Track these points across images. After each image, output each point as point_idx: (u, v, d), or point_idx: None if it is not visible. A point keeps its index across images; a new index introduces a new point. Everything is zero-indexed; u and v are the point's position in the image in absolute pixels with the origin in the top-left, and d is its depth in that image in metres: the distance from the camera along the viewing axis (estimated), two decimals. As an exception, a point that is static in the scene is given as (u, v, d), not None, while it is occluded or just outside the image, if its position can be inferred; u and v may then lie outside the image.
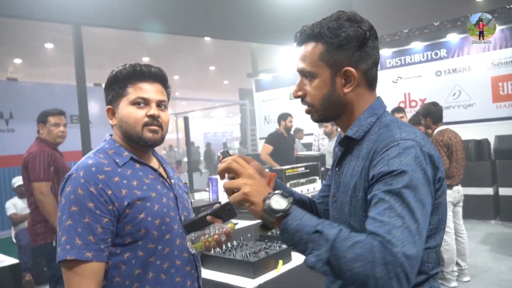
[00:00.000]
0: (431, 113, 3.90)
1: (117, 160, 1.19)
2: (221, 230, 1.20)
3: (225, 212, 1.21)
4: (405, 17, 9.66)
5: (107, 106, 1.25)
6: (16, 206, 4.89)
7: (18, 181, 5.00)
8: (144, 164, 1.24)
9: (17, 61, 12.22)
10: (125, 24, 5.45)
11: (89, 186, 1.10)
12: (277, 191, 0.90)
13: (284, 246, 2.10)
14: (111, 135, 1.29)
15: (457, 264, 3.84)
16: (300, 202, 1.25)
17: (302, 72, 1.06)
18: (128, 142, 1.23)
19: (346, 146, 1.06)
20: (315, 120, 1.10)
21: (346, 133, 1.04)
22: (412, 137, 0.92)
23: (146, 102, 1.21)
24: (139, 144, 1.22)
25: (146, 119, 1.20)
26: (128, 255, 1.13)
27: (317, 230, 0.83)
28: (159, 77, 1.25)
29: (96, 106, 7.49)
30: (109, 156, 1.20)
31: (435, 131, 3.87)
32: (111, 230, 1.11)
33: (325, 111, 1.05)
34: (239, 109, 12.63)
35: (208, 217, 1.20)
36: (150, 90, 1.22)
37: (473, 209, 6.04)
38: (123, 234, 1.12)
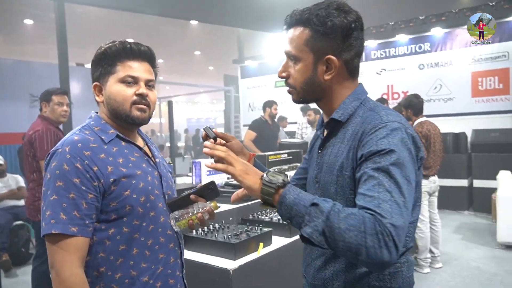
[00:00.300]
0: (413, 105, 4.00)
1: (103, 137, 1.19)
2: (204, 208, 1.22)
3: (208, 191, 1.23)
4: (391, 9, 9.72)
5: (94, 83, 1.25)
6: (-6, 185, 4.82)
7: (-5, 160, 4.91)
8: (130, 142, 1.25)
9: (-5, 37, 11.83)
10: (110, 3, 5.33)
11: (75, 161, 1.10)
12: (271, 169, 0.96)
13: (266, 229, 2.15)
14: (97, 112, 1.29)
15: (431, 251, 3.99)
16: None
17: (288, 55, 1.10)
18: (115, 120, 1.24)
19: (331, 128, 1.11)
20: (295, 101, 1.14)
21: (332, 115, 1.09)
22: (398, 119, 1.00)
23: (135, 80, 1.21)
24: (126, 122, 1.23)
25: (134, 97, 1.20)
26: (113, 231, 1.14)
27: (313, 203, 0.89)
28: (148, 56, 1.25)
29: (77, 87, 7.34)
30: (95, 133, 1.20)
31: (415, 122, 3.96)
32: (96, 206, 1.12)
33: (305, 93, 1.10)
34: (224, 95, 12.57)
35: (192, 196, 1.22)
36: (139, 68, 1.21)
37: (448, 200, 6.24)
38: (108, 210, 1.14)
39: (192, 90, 13.32)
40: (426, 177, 3.84)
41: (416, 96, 4.05)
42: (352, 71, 1.09)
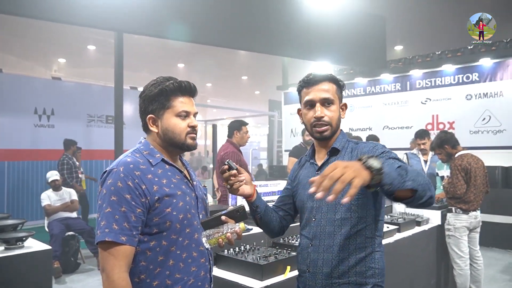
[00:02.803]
0: (446, 140, 3.89)
1: (150, 160, 1.38)
2: (233, 229, 1.39)
3: (237, 214, 1.43)
4: (438, 38, 9.59)
5: (149, 115, 1.43)
6: (50, 198, 5.24)
7: (52, 175, 5.34)
8: (173, 166, 1.44)
9: (61, 60, 12.91)
10: (162, 32, 5.75)
11: (127, 180, 1.28)
12: (367, 156, 1.15)
13: (294, 253, 2.23)
14: (145, 138, 1.48)
15: (471, 290, 3.83)
16: (268, 207, 1.67)
17: (325, 100, 1.53)
18: (166, 147, 1.44)
19: (331, 154, 1.56)
20: (327, 136, 1.55)
21: (333, 145, 1.56)
22: (375, 142, 1.55)
23: (187, 114, 1.43)
24: (181, 149, 1.45)
25: (188, 129, 1.42)
26: (153, 243, 1.31)
27: (398, 166, 1.21)
28: (194, 92, 1.47)
29: (130, 109, 7.84)
30: (144, 156, 1.39)
31: (456, 155, 3.87)
32: (142, 219, 1.30)
33: (336, 129, 1.56)
34: (268, 120, 12.80)
35: (223, 217, 1.41)
36: (189, 103, 1.44)
37: (497, 237, 5.93)
38: (151, 224, 1.31)
39: (237, 114, 13.67)
40: (466, 211, 3.73)
41: (443, 132, 4.02)
42: None
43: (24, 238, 3.08)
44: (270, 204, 1.73)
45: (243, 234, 1.47)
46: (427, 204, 1.25)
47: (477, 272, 3.85)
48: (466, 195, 3.71)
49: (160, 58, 12.69)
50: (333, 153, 1.55)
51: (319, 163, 1.58)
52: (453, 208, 3.80)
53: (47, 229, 5.14)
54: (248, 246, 2.34)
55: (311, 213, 1.54)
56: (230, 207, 1.47)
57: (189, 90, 1.44)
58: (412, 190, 1.19)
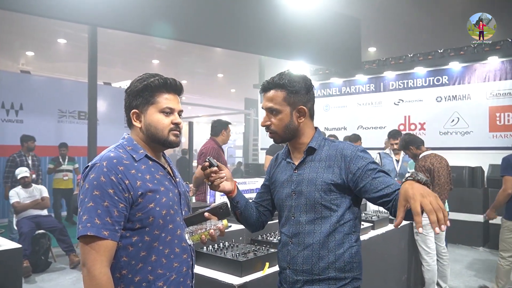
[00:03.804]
0: (410, 141, 4.06)
1: (134, 156, 1.38)
2: (216, 226, 1.40)
3: (220, 211, 1.44)
4: (410, 41, 9.87)
5: (133, 110, 1.43)
6: (19, 195, 5.07)
7: (21, 172, 5.16)
8: (156, 162, 1.44)
9: (30, 53, 12.46)
10: (138, 28, 5.64)
11: (110, 174, 1.27)
12: (409, 176, 1.25)
13: (272, 250, 2.26)
14: (128, 134, 1.48)
15: (438, 284, 3.98)
16: (249, 203, 1.69)
17: (270, 109, 1.54)
18: (149, 143, 1.44)
19: (308, 153, 1.57)
20: (277, 142, 1.59)
21: (309, 144, 1.57)
22: (354, 145, 1.56)
23: (171, 111, 1.43)
24: (163, 146, 1.44)
25: (172, 125, 1.42)
26: (136, 239, 1.31)
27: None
28: (180, 90, 1.48)
29: (104, 104, 7.67)
30: (127, 151, 1.39)
31: (420, 156, 4.00)
32: (125, 214, 1.29)
33: (285, 136, 1.57)
34: (244, 118, 12.82)
35: (206, 214, 1.42)
36: (174, 100, 1.44)
37: (463, 235, 6.17)
38: (134, 219, 1.31)
39: (213, 111, 13.63)
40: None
41: (407, 134, 4.27)
42: (312, 116, 1.61)
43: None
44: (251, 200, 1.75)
45: None
46: None
47: (443, 268, 4.01)
48: (433, 193, 3.84)
49: (134, 54, 12.45)
50: (310, 152, 1.57)
51: (296, 162, 1.60)
52: (421, 206, 3.93)
53: (16, 227, 4.98)
54: (227, 243, 2.36)
55: (290, 212, 1.57)
56: (213, 204, 1.49)
57: (174, 88, 1.44)
58: None
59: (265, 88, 1.57)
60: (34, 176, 5.66)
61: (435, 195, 1.13)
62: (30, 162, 6.18)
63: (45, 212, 5.25)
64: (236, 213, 1.66)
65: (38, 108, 7.36)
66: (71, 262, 4.93)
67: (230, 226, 2.66)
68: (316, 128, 1.64)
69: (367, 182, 1.42)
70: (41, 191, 5.28)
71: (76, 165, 7.40)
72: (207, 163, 1.51)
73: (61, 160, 7.13)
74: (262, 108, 1.58)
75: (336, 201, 1.50)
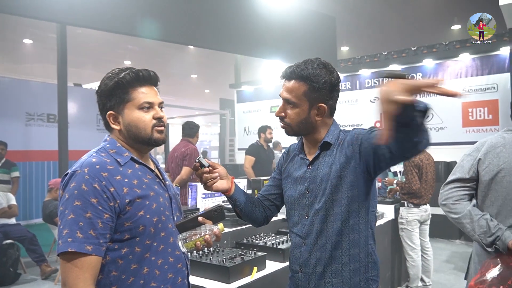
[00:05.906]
0: None
1: (118, 160, 1.24)
2: (211, 231, 1.29)
3: (215, 215, 1.33)
4: (384, 40, 10.02)
5: (109, 112, 1.28)
6: (-15, 203, 4.77)
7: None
8: (143, 165, 1.30)
9: (-7, 54, 11.93)
10: (110, 26, 5.42)
11: (93, 182, 1.14)
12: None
13: (260, 253, 2.17)
14: (109, 136, 1.33)
15: (422, 280, 3.99)
16: (250, 199, 1.58)
17: (287, 100, 1.42)
18: (133, 144, 1.29)
19: (322, 149, 1.46)
20: (288, 134, 1.49)
21: (324, 139, 1.46)
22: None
23: (150, 105, 1.28)
24: (148, 145, 1.30)
25: (154, 121, 1.28)
26: (125, 251, 1.17)
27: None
28: (155, 81, 1.33)
29: (74, 107, 7.38)
30: (111, 155, 1.24)
31: None
32: (111, 226, 1.15)
33: (299, 130, 1.46)
34: (219, 119, 12.66)
35: (200, 218, 1.30)
36: (151, 93, 1.29)
37: (440, 229, 6.26)
38: (122, 230, 1.17)
39: (187, 112, 13.43)
40: (417, 205, 3.89)
41: None
42: (332, 112, 1.48)
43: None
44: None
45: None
46: (421, 144, 1.10)
47: (427, 263, 4.03)
48: (418, 190, 3.86)
49: (105, 54, 12.12)
50: (325, 147, 1.46)
51: (310, 158, 1.49)
52: (405, 203, 3.94)
53: (-19, 238, 4.67)
54: (211, 248, 2.24)
55: (303, 210, 1.47)
56: (207, 207, 1.36)
57: (148, 79, 1.29)
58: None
59: (287, 76, 1.43)
60: None
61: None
62: None
63: (13, 220, 4.96)
64: (236, 210, 1.56)
65: (3, 111, 7.00)
66: (42, 272, 4.68)
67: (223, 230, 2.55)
68: (332, 120, 1.51)
69: (365, 139, 1.35)
70: (8, 198, 4.99)
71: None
72: (197, 164, 1.40)
73: None
74: (280, 96, 1.45)
75: (348, 194, 1.38)
